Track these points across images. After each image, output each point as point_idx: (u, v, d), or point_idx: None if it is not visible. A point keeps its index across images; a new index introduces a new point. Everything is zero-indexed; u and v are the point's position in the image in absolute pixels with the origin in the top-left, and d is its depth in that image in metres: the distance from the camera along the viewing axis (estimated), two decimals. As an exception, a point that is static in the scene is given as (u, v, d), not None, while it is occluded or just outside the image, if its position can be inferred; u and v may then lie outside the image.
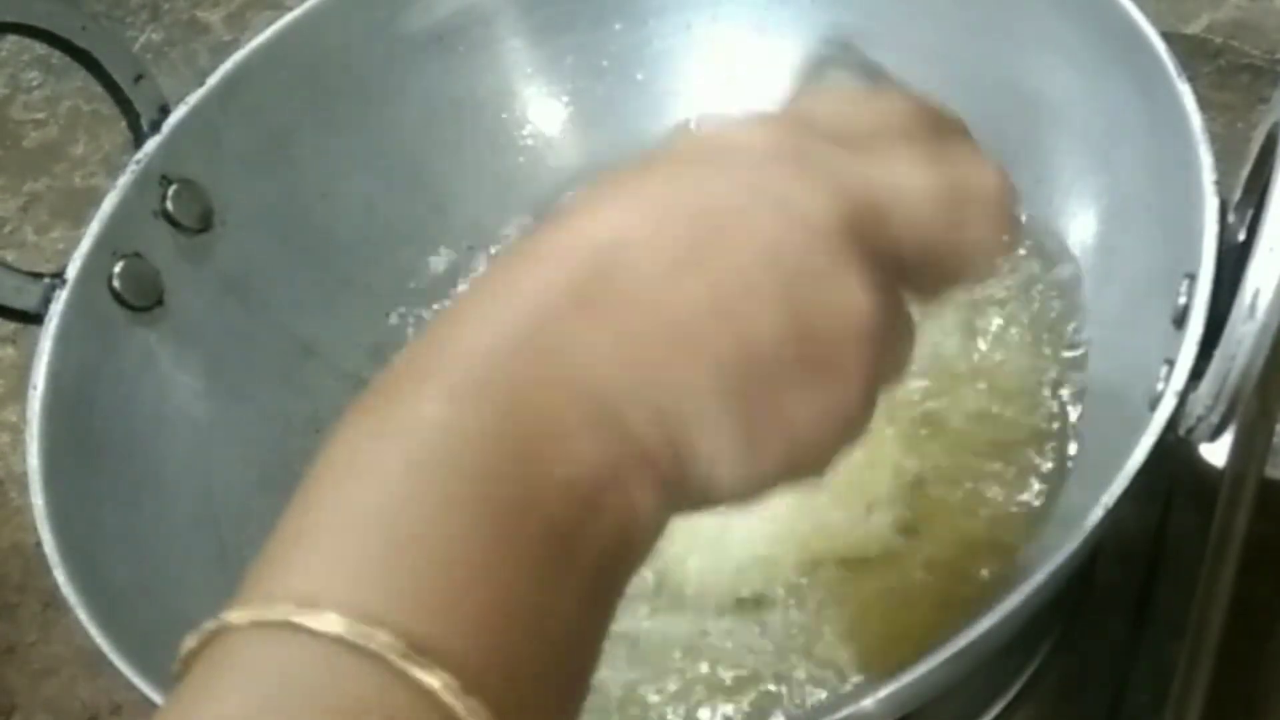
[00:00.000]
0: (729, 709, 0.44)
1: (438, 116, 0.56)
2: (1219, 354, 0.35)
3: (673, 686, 0.44)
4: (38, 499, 0.43)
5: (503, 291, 0.27)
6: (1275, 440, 0.49)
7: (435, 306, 0.55)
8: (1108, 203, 0.48)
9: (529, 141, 0.58)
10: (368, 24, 0.54)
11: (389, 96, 0.55)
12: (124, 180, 0.49)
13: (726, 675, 0.44)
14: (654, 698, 0.44)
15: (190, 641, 0.24)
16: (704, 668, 0.44)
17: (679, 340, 0.26)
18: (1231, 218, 0.40)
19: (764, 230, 0.27)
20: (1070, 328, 0.48)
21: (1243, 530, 0.47)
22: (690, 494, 0.27)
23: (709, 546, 0.46)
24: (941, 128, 0.31)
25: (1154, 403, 0.37)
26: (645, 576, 0.46)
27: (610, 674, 0.45)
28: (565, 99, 0.58)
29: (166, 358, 0.50)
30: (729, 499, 0.28)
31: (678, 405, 0.26)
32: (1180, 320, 0.38)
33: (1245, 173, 0.40)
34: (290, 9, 0.53)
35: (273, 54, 0.53)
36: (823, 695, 0.43)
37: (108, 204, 0.49)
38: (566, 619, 0.25)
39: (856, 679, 0.43)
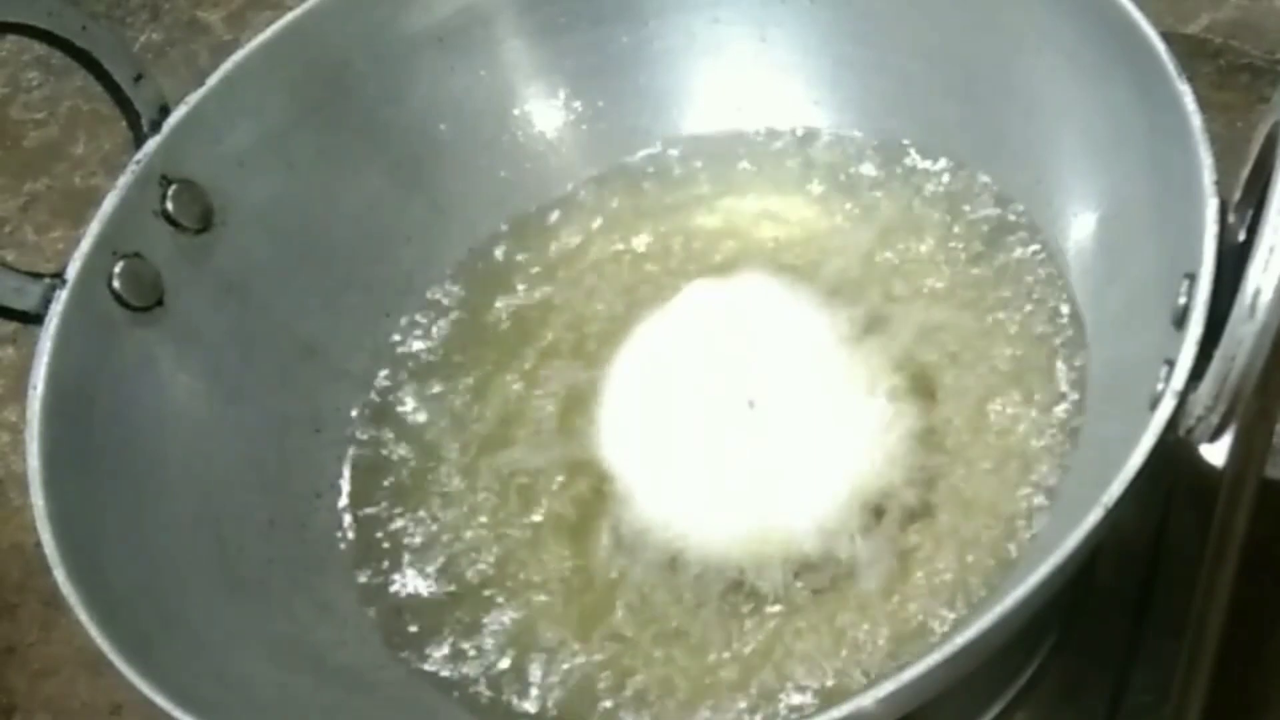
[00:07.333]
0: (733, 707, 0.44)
1: (438, 116, 0.56)
2: (1219, 354, 0.35)
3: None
4: (38, 499, 0.43)
5: None
6: (1275, 440, 0.49)
7: (434, 303, 0.56)
8: (1108, 203, 0.48)
9: (529, 142, 0.58)
10: (368, 24, 0.54)
11: (389, 96, 0.55)
12: (124, 180, 0.49)
13: (729, 670, 0.44)
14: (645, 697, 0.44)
15: None
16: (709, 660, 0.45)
17: None
18: (1231, 218, 0.40)
19: None
20: (1070, 328, 0.48)
21: (1242, 530, 0.47)
22: None
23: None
24: None
25: (1154, 403, 0.37)
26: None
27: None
28: (565, 99, 0.58)
29: (166, 358, 0.50)
30: None
31: None
32: (1180, 320, 0.38)
33: (1245, 173, 0.40)
34: (290, 9, 0.53)
35: (273, 54, 0.53)
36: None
37: (108, 204, 0.49)
38: None
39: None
